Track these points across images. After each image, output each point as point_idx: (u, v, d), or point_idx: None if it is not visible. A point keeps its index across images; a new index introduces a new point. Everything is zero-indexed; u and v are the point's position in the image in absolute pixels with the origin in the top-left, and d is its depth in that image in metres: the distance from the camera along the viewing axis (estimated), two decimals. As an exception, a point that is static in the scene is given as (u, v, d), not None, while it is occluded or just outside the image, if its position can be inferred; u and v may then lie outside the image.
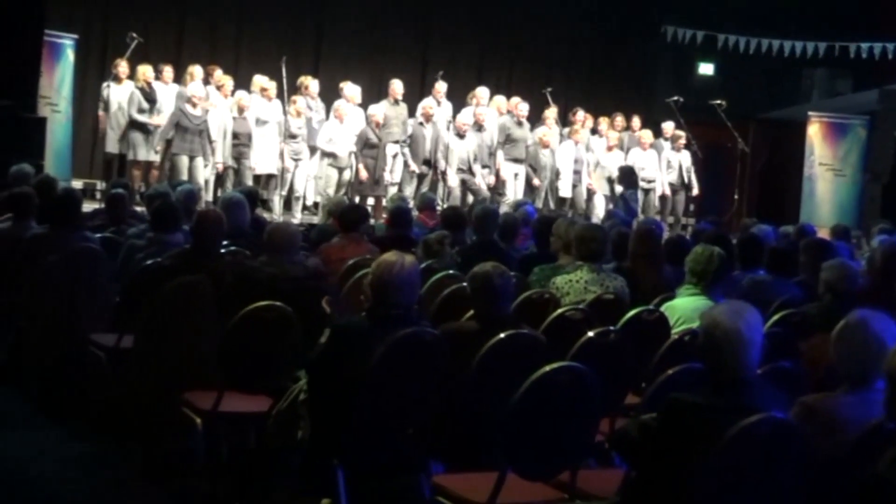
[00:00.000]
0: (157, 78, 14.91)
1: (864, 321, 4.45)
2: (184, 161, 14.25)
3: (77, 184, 14.47)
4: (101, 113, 14.91)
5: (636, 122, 17.71)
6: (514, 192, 15.91)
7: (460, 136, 15.46)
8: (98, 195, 14.61)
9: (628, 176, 15.97)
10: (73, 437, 6.80)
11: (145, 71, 14.70)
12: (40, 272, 7.49)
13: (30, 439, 6.78)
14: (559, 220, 8.79)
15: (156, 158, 14.70)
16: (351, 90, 15.84)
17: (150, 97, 14.57)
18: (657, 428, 4.25)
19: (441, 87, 16.34)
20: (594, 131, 17.18)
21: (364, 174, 15.04)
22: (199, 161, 14.40)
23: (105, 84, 14.89)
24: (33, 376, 7.61)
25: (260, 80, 15.49)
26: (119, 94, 14.73)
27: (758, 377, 4.35)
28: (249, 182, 14.60)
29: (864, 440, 4.16)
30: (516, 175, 16.07)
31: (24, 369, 7.72)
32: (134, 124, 14.44)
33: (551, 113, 16.81)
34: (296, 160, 15.17)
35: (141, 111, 14.49)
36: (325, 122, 15.49)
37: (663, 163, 17.12)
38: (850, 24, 19.73)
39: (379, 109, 15.38)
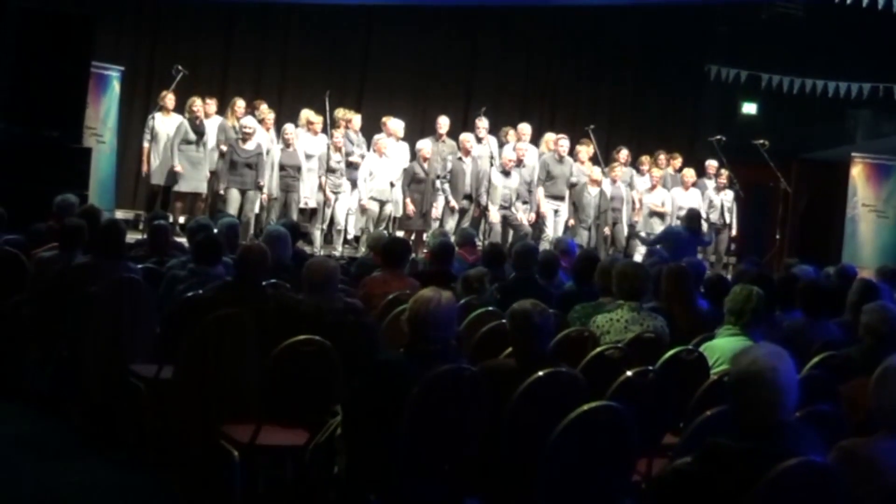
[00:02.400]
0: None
1: (904, 366, 4.41)
2: (235, 194, 14.33)
3: (120, 214, 14.55)
4: (145, 145, 14.81)
5: (677, 161, 17.67)
6: (554, 228, 15.91)
7: (506, 173, 15.49)
8: (141, 226, 14.60)
9: (690, 220, 14.82)
10: (114, 468, 6.84)
11: (194, 102, 14.72)
12: (84, 302, 7.52)
13: (70, 469, 6.82)
14: (605, 259, 8.78)
15: (202, 190, 14.74)
16: (394, 125, 15.87)
17: (198, 129, 14.60)
18: (693, 473, 4.22)
19: (483, 123, 16.28)
20: (636, 169, 17.17)
21: (411, 209, 15.09)
22: (251, 194, 14.47)
23: (151, 116, 14.88)
24: (75, 406, 7.64)
25: (306, 114, 15.52)
26: (166, 126, 14.77)
27: (796, 420, 4.32)
28: (295, 215, 14.67)
29: (903, 486, 4.13)
30: (556, 212, 16.05)
31: (66, 399, 7.76)
32: (183, 155, 14.50)
33: (586, 150, 16.62)
34: (335, 193, 15.18)
35: (188, 143, 14.54)
36: (366, 157, 15.50)
37: (706, 202, 17.06)
38: (895, 65, 19.62)
39: (426, 144, 15.43)
